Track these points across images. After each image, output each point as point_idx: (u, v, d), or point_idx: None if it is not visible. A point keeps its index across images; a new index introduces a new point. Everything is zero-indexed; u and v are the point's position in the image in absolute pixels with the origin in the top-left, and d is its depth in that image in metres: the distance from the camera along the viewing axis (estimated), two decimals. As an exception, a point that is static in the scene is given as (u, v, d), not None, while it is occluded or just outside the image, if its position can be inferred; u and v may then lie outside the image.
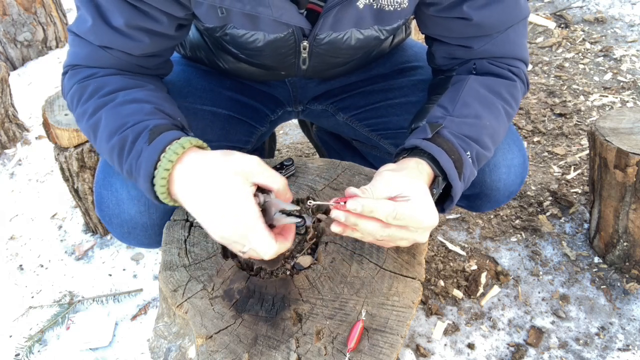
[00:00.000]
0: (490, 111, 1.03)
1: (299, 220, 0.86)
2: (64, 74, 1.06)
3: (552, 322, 1.57)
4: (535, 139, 2.26)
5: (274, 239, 0.84)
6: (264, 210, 0.86)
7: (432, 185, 0.94)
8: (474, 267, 1.72)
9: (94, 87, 1.00)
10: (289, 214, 0.86)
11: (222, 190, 0.83)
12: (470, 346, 1.51)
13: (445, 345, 1.52)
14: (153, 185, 0.88)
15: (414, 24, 1.23)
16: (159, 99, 1.01)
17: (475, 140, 0.98)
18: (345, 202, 0.83)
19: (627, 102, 2.42)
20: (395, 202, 0.85)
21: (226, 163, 0.85)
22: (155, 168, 0.87)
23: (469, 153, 0.96)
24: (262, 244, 0.83)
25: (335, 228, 0.87)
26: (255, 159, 0.85)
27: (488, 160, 1.09)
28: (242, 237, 0.83)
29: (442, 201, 0.99)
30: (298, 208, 0.86)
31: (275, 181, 0.86)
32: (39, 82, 2.92)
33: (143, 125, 0.92)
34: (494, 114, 1.03)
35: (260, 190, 0.87)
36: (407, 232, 0.87)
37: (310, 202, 0.88)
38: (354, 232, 0.88)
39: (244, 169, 0.84)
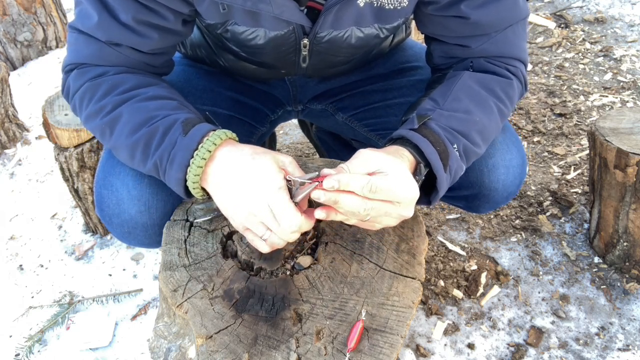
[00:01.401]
0: (482, 107, 1.03)
1: (316, 183, 0.88)
2: (68, 72, 1.05)
3: (552, 322, 1.57)
4: (535, 139, 2.26)
5: (298, 212, 0.86)
6: (289, 191, 0.89)
7: (415, 173, 0.94)
8: (474, 267, 1.72)
9: (110, 85, 1.00)
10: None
11: (253, 167, 0.88)
12: (470, 346, 1.51)
13: (445, 345, 1.52)
14: (185, 176, 0.92)
15: (414, 24, 1.23)
16: (178, 96, 1.04)
17: (463, 134, 0.98)
18: (322, 181, 0.85)
19: (627, 102, 2.42)
20: (372, 175, 0.85)
21: (262, 150, 0.92)
22: (191, 159, 0.91)
23: (455, 146, 0.96)
24: (286, 214, 0.85)
25: (319, 214, 0.88)
26: (289, 156, 0.93)
27: (480, 157, 1.09)
28: (266, 209, 0.86)
29: (429, 194, 0.99)
30: (316, 174, 0.88)
31: (302, 173, 0.91)
32: (39, 82, 2.92)
33: (173, 118, 0.95)
34: (485, 110, 1.03)
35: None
36: (391, 206, 0.87)
37: (289, 177, 0.89)
38: (337, 215, 0.88)
39: (276, 157, 0.91)
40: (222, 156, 0.92)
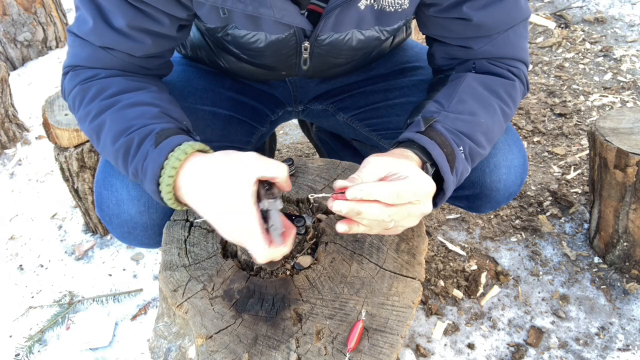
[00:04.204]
0: (486, 109, 1.03)
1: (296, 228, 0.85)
2: (65, 74, 1.06)
3: (552, 322, 1.57)
4: (535, 139, 2.26)
5: (267, 245, 0.82)
6: (266, 215, 0.84)
7: None
8: (474, 267, 1.72)
9: (97, 89, 1.00)
10: (290, 217, 0.85)
11: (223, 193, 0.82)
12: (470, 346, 1.51)
13: (445, 345, 1.52)
14: (159, 188, 0.89)
15: (414, 23, 1.23)
16: (163, 102, 1.01)
17: (468, 136, 0.98)
18: (342, 193, 0.82)
19: (627, 102, 2.42)
20: (391, 181, 0.84)
21: (226, 164, 0.84)
22: (161, 172, 0.87)
23: (461, 148, 0.96)
24: (256, 249, 0.82)
25: (340, 227, 0.85)
26: (252, 154, 0.85)
27: (483, 158, 1.09)
28: (239, 236, 0.83)
29: (435, 196, 0.99)
30: (298, 216, 0.86)
31: (277, 171, 0.84)
32: (39, 82, 2.92)
33: (149, 128, 0.92)
34: (489, 112, 1.03)
35: (264, 183, 0.85)
36: (411, 206, 0.85)
37: (310, 196, 0.87)
38: (359, 227, 0.86)
39: (244, 167, 0.83)
40: (187, 173, 0.87)
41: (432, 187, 0.87)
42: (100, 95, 0.99)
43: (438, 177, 0.95)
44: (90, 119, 0.98)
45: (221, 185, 0.82)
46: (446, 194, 0.95)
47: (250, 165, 0.83)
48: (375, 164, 0.87)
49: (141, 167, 0.90)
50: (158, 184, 0.88)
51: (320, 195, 0.87)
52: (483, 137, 1.01)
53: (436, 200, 0.97)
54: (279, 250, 0.83)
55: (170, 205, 0.90)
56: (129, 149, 0.92)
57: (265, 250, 0.81)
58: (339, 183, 0.86)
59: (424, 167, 0.93)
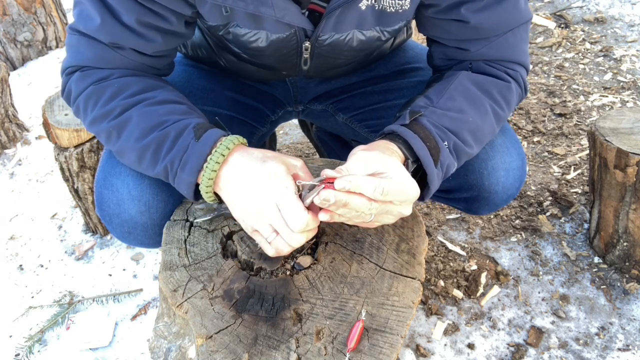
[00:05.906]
0: (477, 108, 1.03)
1: (322, 186, 0.89)
2: (69, 74, 1.04)
3: (552, 322, 1.57)
4: (535, 139, 2.26)
5: (305, 210, 0.86)
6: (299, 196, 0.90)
7: None
8: (474, 267, 1.72)
9: (115, 89, 0.99)
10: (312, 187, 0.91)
11: (263, 170, 0.89)
12: (470, 346, 1.51)
13: (445, 345, 1.52)
14: (197, 179, 0.94)
15: (414, 24, 1.23)
16: (185, 99, 1.05)
17: (454, 133, 0.98)
18: (331, 183, 0.85)
19: (627, 102, 2.43)
20: (378, 178, 0.86)
21: (272, 155, 0.93)
22: (206, 160, 0.92)
23: (446, 143, 0.97)
24: (293, 212, 0.85)
25: (323, 216, 0.88)
26: (300, 159, 0.95)
27: (479, 159, 1.09)
28: (274, 209, 0.87)
29: (422, 189, 0.99)
30: (323, 178, 0.89)
31: (310, 176, 0.94)
32: (39, 82, 2.92)
33: (184, 123, 0.96)
34: (479, 111, 1.03)
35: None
36: (392, 205, 0.89)
37: (298, 182, 0.89)
38: (340, 218, 0.89)
39: (286, 160, 0.92)
40: (235, 161, 0.92)
41: (416, 192, 0.90)
42: (120, 94, 0.99)
43: (424, 171, 0.95)
44: (111, 118, 0.98)
45: (264, 167, 0.90)
46: (431, 188, 0.96)
47: (293, 162, 0.94)
48: (362, 158, 0.89)
49: (179, 160, 0.93)
50: (196, 176, 0.93)
51: (308, 182, 0.88)
52: (470, 135, 1.01)
53: (423, 194, 0.98)
54: (314, 221, 0.88)
55: (205, 195, 0.95)
56: (162, 143, 0.95)
57: (303, 213, 0.85)
58: (327, 172, 0.88)
59: (405, 163, 0.94)
